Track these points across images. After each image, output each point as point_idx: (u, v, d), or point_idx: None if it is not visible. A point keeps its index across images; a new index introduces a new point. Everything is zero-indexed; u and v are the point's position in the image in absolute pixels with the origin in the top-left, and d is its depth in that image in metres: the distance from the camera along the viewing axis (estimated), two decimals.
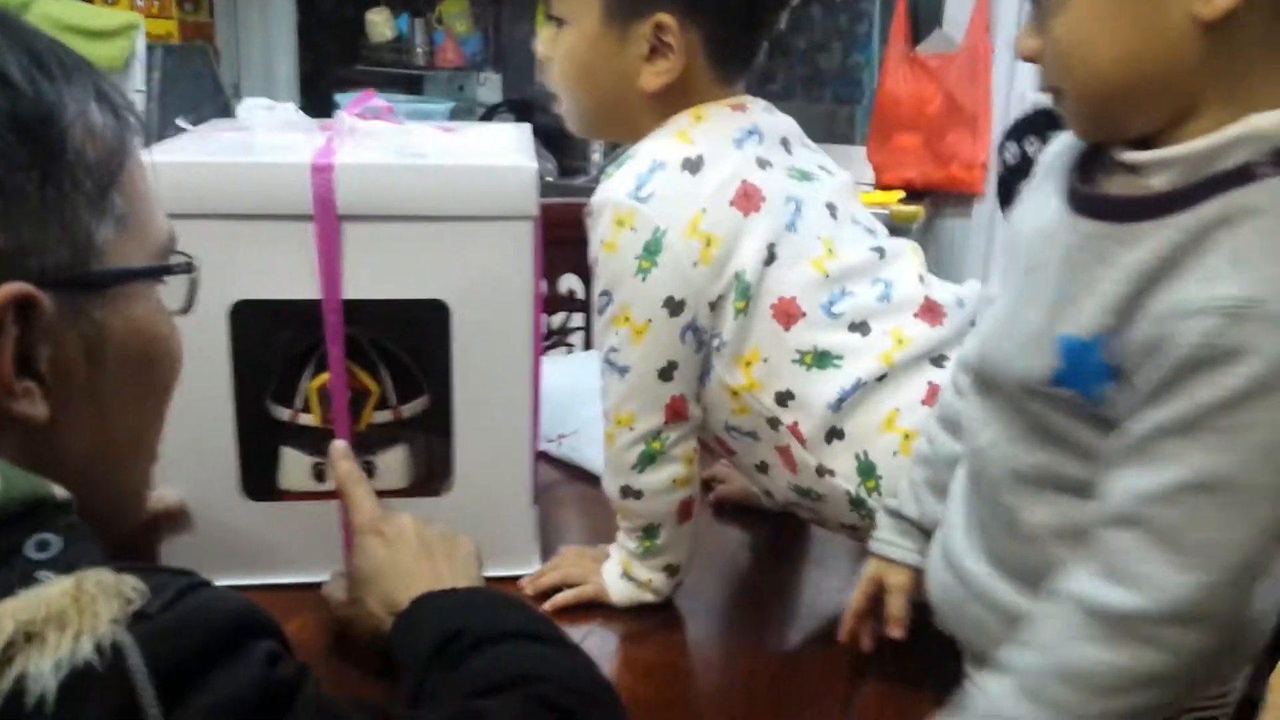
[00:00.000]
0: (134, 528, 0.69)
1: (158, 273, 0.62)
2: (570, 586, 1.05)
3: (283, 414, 1.06)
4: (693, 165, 0.93)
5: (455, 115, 3.29)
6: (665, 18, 0.94)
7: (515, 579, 1.07)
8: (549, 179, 3.18)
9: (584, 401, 1.44)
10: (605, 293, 0.95)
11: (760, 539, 1.23)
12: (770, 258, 0.93)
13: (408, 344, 1.11)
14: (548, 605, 1.03)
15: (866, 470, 0.94)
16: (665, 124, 0.98)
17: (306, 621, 0.97)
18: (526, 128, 1.23)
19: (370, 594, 0.89)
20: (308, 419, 1.06)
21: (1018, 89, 2.73)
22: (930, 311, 0.97)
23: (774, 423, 0.96)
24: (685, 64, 0.96)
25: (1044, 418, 0.72)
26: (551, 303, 1.82)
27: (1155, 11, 0.64)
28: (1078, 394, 0.69)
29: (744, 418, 0.97)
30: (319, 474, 1.07)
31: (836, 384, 0.93)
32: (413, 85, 3.48)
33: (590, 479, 1.33)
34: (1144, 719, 0.66)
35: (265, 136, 1.02)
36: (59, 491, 0.51)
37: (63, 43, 0.57)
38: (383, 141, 1.02)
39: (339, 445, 0.99)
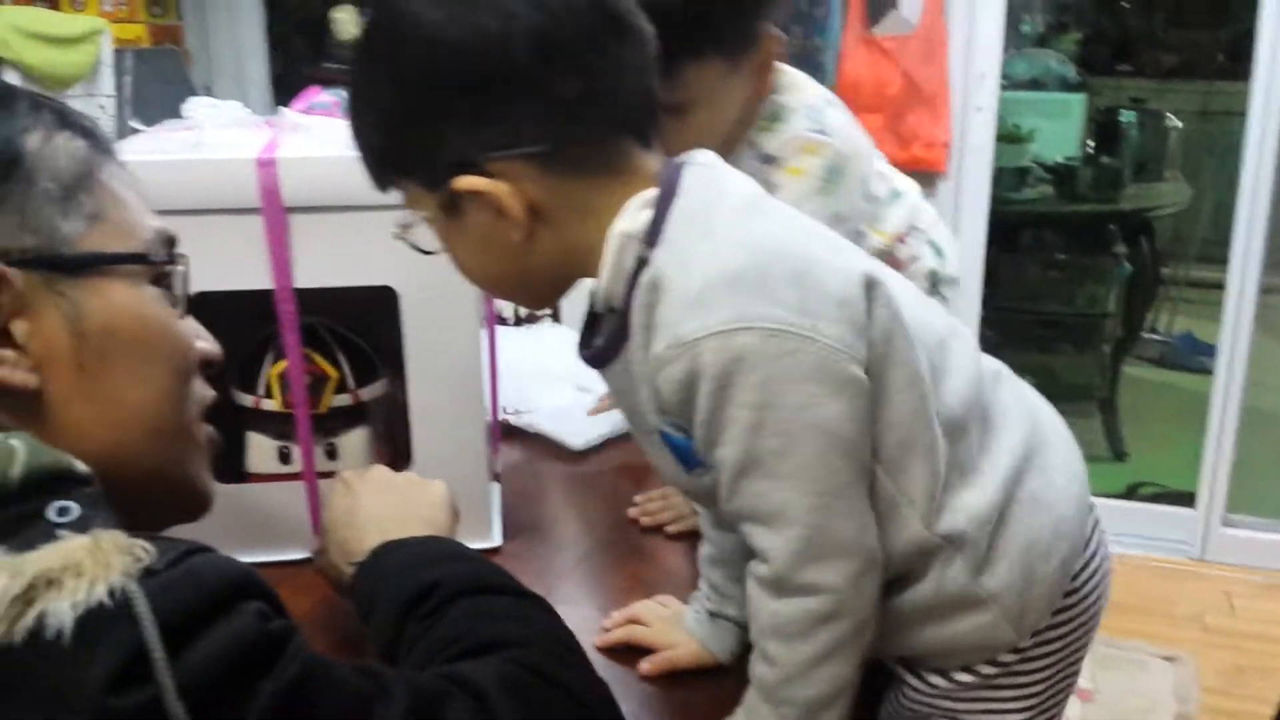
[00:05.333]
0: (198, 510, 0.78)
1: (126, 259, 0.68)
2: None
3: (246, 400, 1.11)
4: (834, 104, 1.15)
5: None
6: (772, 33, 1.08)
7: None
8: None
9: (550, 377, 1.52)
10: None
11: None
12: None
13: (363, 330, 1.15)
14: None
15: (936, 249, 1.29)
16: (785, 79, 1.13)
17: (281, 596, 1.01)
18: None
19: (331, 544, 0.92)
20: (270, 404, 1.10)
21: (975, 69, 2.77)
22: None
23: (888, 249, 1.24)
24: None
25: None
26: None
27: (499, 248, 0.77)
28: None
29: None
30: (284, 456, 1.12)
31: (907, 207, 1.27)
32: None
33: (556, 452, 1.39)
34: (842, 659, 0.76)
35: (213, 134, 1.06)
36: (80, 466, 0.58)
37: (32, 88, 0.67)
38: (324, 135, 1.06)
39: None
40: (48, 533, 0.53)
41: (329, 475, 1.09)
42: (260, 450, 1.12)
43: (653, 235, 0.75)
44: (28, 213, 0.63)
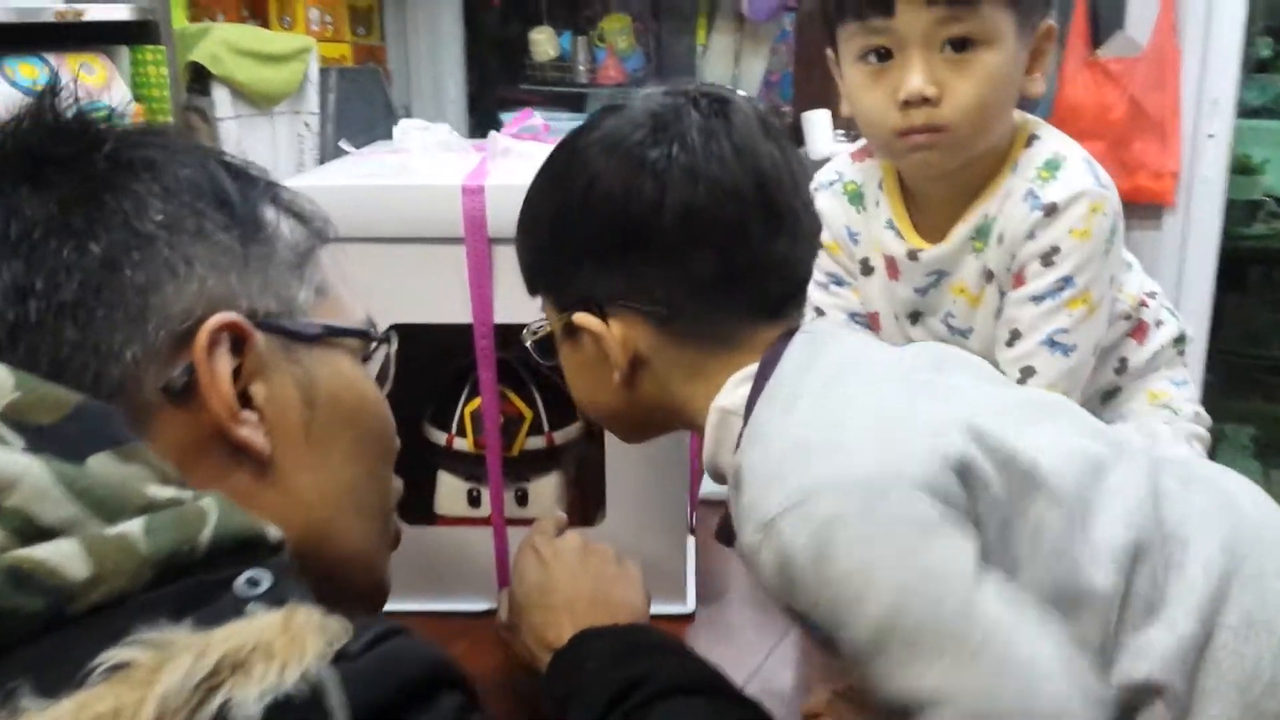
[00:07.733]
0: (377, 603, 0.74)
1: (353, 334, 0.69)
2: None
3: (439, 438, 1.05)
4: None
5: None
6: (1050, 22, 0.99)
7: (667, 617, 1.03)
8: None
9: None
10: (1067, 278, 0.99)
11: None
12: None
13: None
14: None
15: (1171, 312, 1.14)
16: (1040, 126, 1.04)
17: (462, 650, 0.95)
18: None
19: (524, 623, 0.87)
20: (463, 443, 1.04)
21: (1209, 93, 2.56)
22: None
23: (1132, 314, 1.11)
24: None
25: None
26: None
27: (600, 381, 0.78)
28: None
29: (1118, 328, 1.11)
30: (473, 499, 1.06)
31: (1138, 272, 1.12)
32: (575, 103, 3.50)
33: None
34: None
35: (421, 158, 1.01)
36: (272, 531, 0.52)
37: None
38: (535, 162, 0.99)
39: None
40: (236, 607, 0.47)
41: (518, 523, 1.03)
42: (450, 491, 1.06)
43: (748, 412, 0.72)
44: (270, 276, 0.63)
